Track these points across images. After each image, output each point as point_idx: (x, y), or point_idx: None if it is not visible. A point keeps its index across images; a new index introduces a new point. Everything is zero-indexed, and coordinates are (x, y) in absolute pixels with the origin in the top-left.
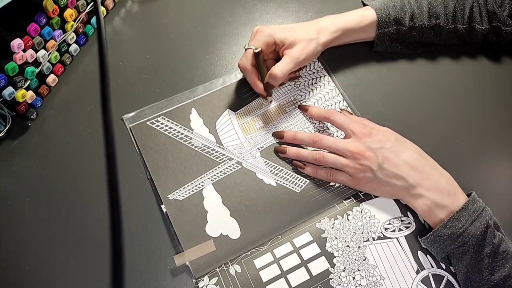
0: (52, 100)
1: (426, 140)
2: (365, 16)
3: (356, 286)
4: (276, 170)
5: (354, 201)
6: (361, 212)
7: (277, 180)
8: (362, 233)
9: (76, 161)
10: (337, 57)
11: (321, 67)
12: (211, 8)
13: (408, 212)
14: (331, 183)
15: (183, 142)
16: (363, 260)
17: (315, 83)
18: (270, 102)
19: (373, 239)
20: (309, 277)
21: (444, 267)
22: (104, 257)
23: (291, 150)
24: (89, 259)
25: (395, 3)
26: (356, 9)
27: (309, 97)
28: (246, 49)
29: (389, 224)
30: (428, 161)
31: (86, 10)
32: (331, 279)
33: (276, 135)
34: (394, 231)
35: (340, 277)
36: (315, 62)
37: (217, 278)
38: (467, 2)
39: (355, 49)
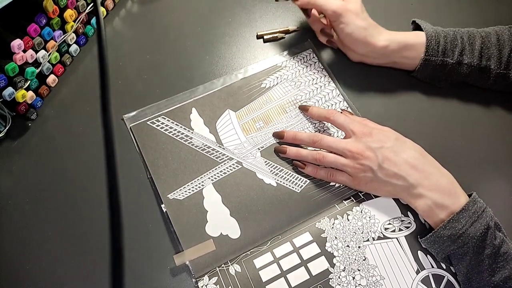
0: (52, 101)
1: (427, 140)
2: (415, 35)
3: (356, 286)
4: (276, 170)
5: (354, 201)
6: (361, 212)
7: (277, 180)
8: (362, 233)
9: (76, 161)
10: (338, 57)
11: (322, 67)
12: (211, 8)
13: (408, 212)
14: (331, 183)
15: (184, 142)
16: (363, 260)
17: (316, 83)
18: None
19: (373, 239)
20: (309, 277)
21: (444, 267)
22: (104, 257)
23: (291, 150)
24: (89, 259)
25: (446, 34)
26: None
27: (309, 97)
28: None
29: (389, 224)
30: (429, 161)
31: (86, 11)
32: (331, 279)
33: (276, 135)
34: (394, 231)
35: (340, 277)
36: (315, 62)
37: (217, 277)
38: None
39: None
